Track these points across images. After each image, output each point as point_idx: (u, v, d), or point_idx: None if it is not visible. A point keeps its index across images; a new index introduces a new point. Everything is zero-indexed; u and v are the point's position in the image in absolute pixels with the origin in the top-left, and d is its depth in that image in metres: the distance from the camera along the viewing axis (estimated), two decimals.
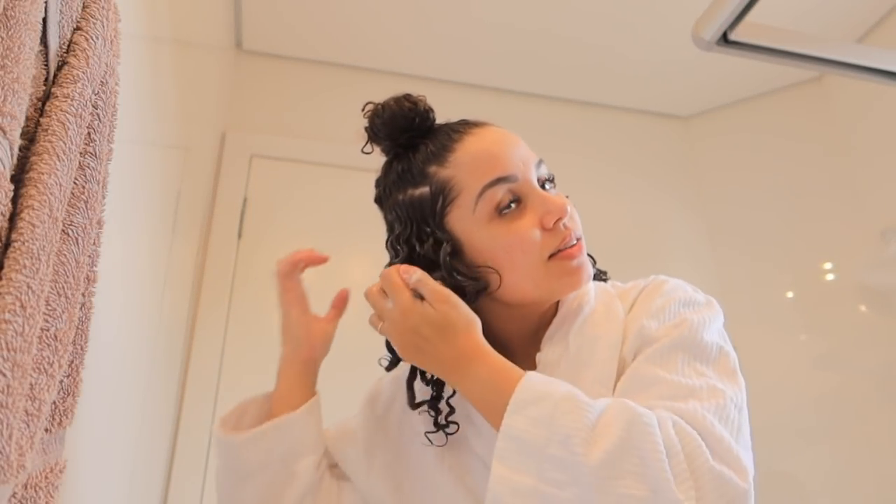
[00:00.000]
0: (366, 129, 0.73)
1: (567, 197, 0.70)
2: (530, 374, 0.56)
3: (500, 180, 0.65)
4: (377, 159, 0.78)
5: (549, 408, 0.52)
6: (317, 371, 0.78)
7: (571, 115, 2.35)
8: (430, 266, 0.67)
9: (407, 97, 0.71)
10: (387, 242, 0.73)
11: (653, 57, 2.12)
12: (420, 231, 0.68)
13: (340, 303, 0.83)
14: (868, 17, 1.96)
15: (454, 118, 0.80)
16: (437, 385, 0.71)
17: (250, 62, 2.11)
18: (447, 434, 0.70)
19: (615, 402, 0.53)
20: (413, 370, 0.72)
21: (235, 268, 1.81)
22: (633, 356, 0.62)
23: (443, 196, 0.67)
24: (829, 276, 2.04)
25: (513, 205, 0.65)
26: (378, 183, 0.75)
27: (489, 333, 0.74)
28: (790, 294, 2.09)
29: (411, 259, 0.69)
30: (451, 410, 0.71)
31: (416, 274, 0.64)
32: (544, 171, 0.69)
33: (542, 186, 0.69)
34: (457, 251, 0.67)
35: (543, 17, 1.96)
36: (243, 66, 2.10)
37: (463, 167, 0.66)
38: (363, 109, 0.73)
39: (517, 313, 0.71)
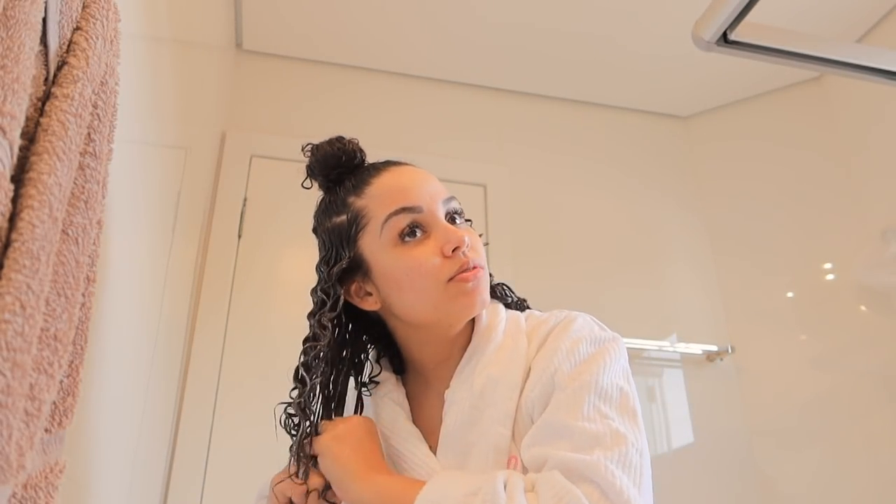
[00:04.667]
0: (305, 167, 0.82)
1: (481, 235, 0.78)
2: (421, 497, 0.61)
3: (403, 210, 0.73)
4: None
5: None
6: None
7: (571, 114, 2.35)
8: (340, 282, 0.75)
9: (339, 139, 0.80)
10: (316, 266, 0.80)
11: (652, 57, 2.12)
12: (337, 254, 0.76)
13: None
14: (868, 17, 1.97)
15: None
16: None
17: (250, 62, 2.11)
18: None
19: (497, 493, 0.56)
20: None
21: (235, 268, 1.81)
22: (546, 399, 0.67)
23: (356, 223, 0.75)
24: (829, 276, 2.04)
25: (417, 232, 0.73)
26: (314, 215, 0.83)
27: (406, 358, 0.82)
28: (790, 294, 2.09)
29: (323, 280, 0.76)
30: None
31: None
32: (454, 206, 0.77)
33: (452, 220, 0.76)
34: (366, 272, 0.76)
35: (543, 16, 1.96)
36: (243, 66, 2.10)
37: (375, 198, 0.75)
38: (303, 149, 0.82)
39: (427, 337, 0.77)
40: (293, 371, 0.76)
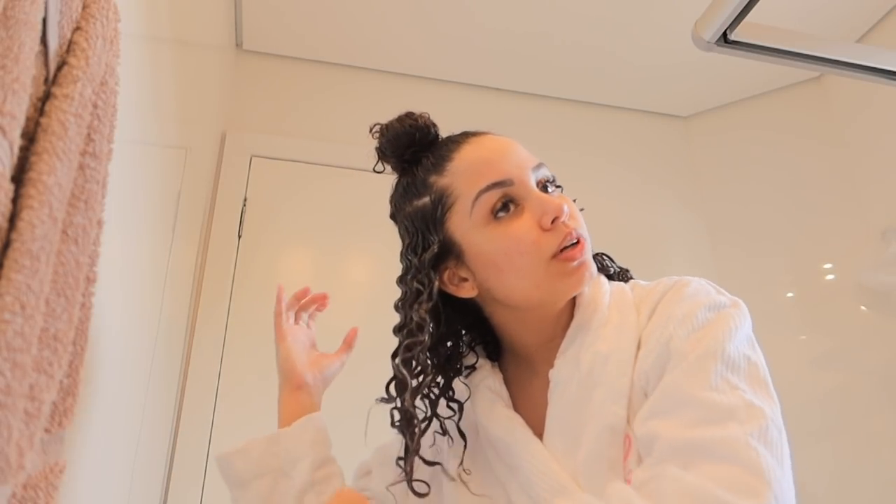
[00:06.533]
0: (375, 149, 0.76)
1: (575, 200, 0.71)
2: None
3: (494, 185, 0.67)
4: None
5: None
6: (312, 398, 0.80)
7: (571, 114, 2.35)
8: (433, 269, 0.69)
9: (409, 115, 0.75)
10: (400, 254, 0.75)
11: (653, 57, 2.12)
12: (424, 239, 0.70)
13: (350, 340, 0.90)
14: (868, 17, 1.96)
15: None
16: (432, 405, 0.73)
17: (250, 62, 2.11)
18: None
19: None
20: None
21: (235, 268, 1.81)
22: (661, 370, 0.60)
23: (441, 203, 0.69)
24: (829, 276, 2.04)
25: (510, 207, 0.67)
26: (391, 199, 0.77)
27: (506, 343, 0.76)
28: (790, 294, 2.09)
29: (413, 269, 0.71)
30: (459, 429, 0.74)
31: None
32: (544, 174, 0.71)
33: (545, 188, 0.70)
34: (458, 256, 0.70)
35: (543, 20, 1.96)
36: (243, 66, 2.10)
37: (459, 175, 0.69)
38: (371, 130, 0.76)
39: (530, 319, 0.71)
40: (398, 364, 0.70)
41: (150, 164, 1.06)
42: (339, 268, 1.92)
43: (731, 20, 0.91)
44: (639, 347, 0.64)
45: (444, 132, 0.78)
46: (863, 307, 1.94)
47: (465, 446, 0.73)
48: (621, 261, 0.85)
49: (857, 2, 1.91)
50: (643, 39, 2.04)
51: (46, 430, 0.48)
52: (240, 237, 1.85)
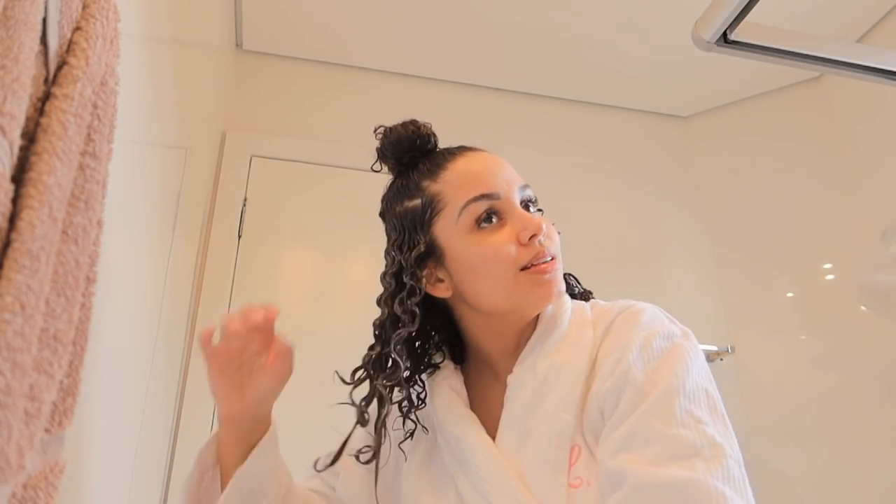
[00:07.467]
0: (376, 149, 0.81)
1: (553, 224, 0.76)
2: None
3: (482, 196, 0.72)
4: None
5: None
6: (248, 425, 0.75)
7: (571, 114, 2.35)
8: (417, 266, 0.74)
9: (412, 122, 0.79)
10: (385, 252, 0.79)
11: (652, 57, 2.12)
12: (410, 238, 0.75)
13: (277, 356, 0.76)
14: (868, 17, 1.97)
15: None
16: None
17: (250, 62, 2.11)
18: (415, 431, 0.77)
19: None
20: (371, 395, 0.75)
21: (235, 268, 1.81)
22: (617, 396, 0.63)
23: (431, 207, 0.74)
24: (829, 277, 2.04)
25: (493, 219, 0.72)
26: (383, 198, 0.82)
27: (471, 347, 0.81)
28: (790, 294, 2.09)
29: (397, 265, 0.75)
30: (417, 405, 0.78)
31: None
32: (528, 194, 0.76)
33: (527, 207, 0.75)
34: (439, 258, 0.74)
35: (544, 17, 1.96)
36: (243, 66, 2.10)
37: (451, 183, 0.74)
38: (374, 131, 0.81)
39: (496, 326, 0.76)
40: (369, 358, 0.73)
41: (150, 164, 1.06)
42: (339, 268, 1.92)
43: (731, 20, 0.91)
44: (594, 363, 0.69)
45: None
46: (862, 307, 1.94)
47: (416, 433, 0.77)
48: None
49: (857, 2, 1.91)
50: (643, 39, 2.04)
51: (46, 430, 0.48)
52: (240, 237, 1.85)
